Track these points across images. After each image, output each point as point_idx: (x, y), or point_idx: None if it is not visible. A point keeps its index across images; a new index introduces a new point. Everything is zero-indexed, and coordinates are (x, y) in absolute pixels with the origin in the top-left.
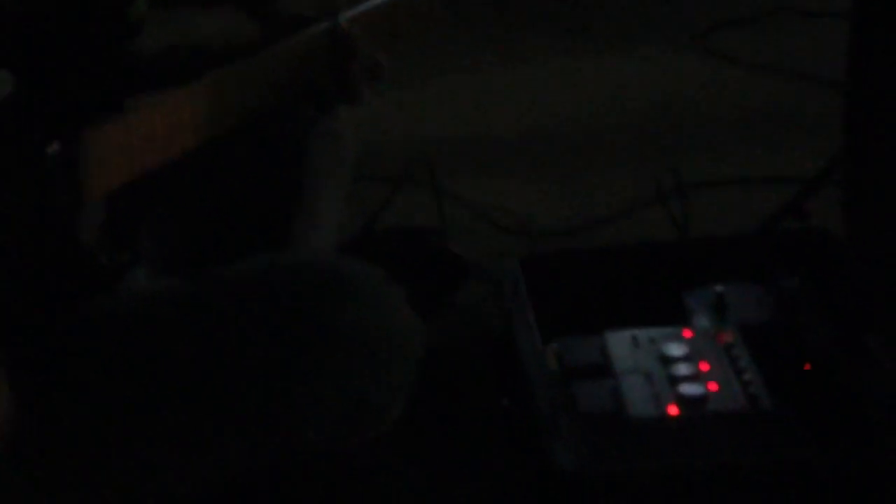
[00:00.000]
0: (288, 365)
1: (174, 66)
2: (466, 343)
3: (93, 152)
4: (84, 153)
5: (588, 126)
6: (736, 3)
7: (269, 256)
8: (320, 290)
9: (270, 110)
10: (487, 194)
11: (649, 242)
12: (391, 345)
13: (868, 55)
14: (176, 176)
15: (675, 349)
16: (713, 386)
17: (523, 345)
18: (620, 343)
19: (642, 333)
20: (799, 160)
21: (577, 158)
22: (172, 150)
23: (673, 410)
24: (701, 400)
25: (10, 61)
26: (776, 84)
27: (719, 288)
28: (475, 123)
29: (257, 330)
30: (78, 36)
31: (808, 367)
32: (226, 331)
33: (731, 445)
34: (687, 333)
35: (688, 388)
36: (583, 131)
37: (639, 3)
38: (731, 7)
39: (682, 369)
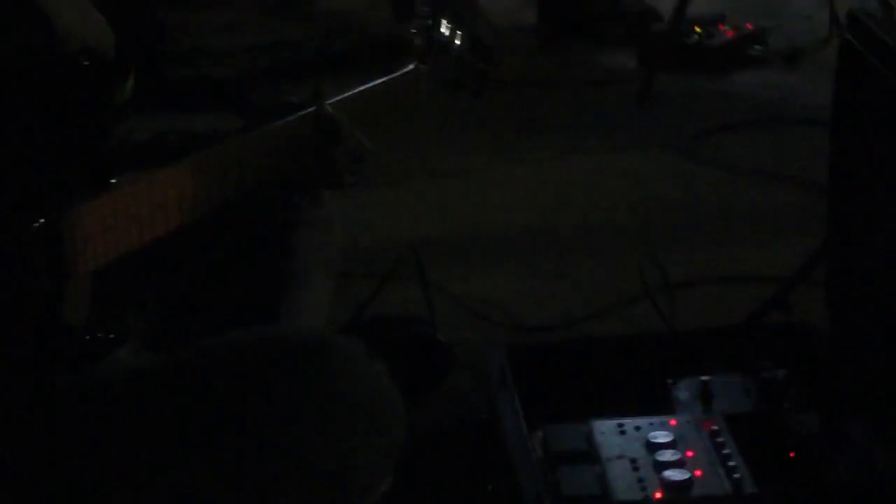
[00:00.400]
0: (268, 437)
1: (161, 148)
2: (452, 429)
3: (77, 229)
4: (69, 229)
5: (576, 223)
6: (726, 112)
7: (252, 329)
8: (301, 362)
9: (255, 192)
10: (476, 288)
11: (636, 334)
12: (372, 416)
13: (847, 159)
14: (163, 258)
15: (661, 436)
16: (698, 472)
17: (508, 430)
18: (606, 431)
19: (628, 422)
20: (782, 259)
21: (565, 254)
22: (157, 230)
23: (658, 495)
24: (686, 485)
25: None
26: (761, 186)
27: (705, 378)
28: (463, 221)
29: (237, 402)
30: (63, 115)
31: (792, 454)
32: (204, 405)
33: None
34: (673, 422)
35: (673, 474)
36: (570, 228)
37: (632, 109)
38: (722, 115)
39: (668, 455)
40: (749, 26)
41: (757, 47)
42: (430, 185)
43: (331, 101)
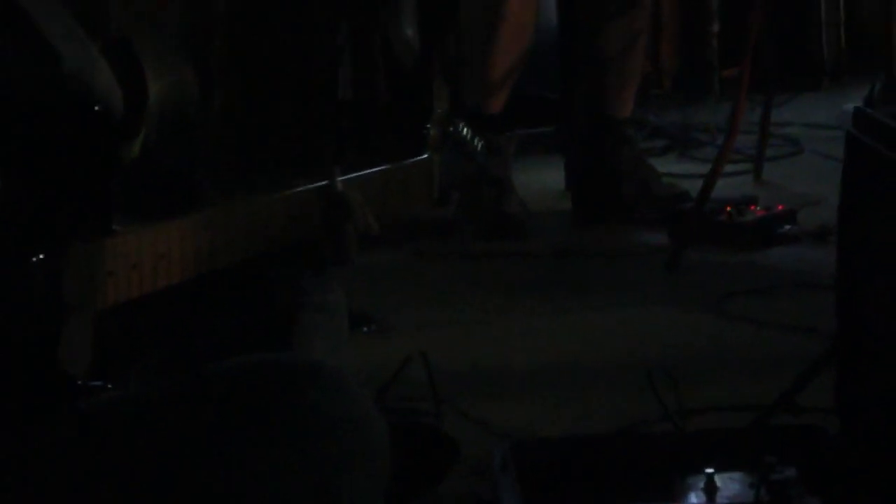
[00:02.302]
0: (250, 460)
1: (170, 200)
2: None
3: (78, 269)
4: (68, 268)
5: (596, 365)
6: (755, 279)
7: (241, 357)
8: (288, 386)
9: (261, 263)
10: (486, 410)
11: (644, 432)
12: (359, 440)
13: (854, 257)
14: (166, 318)
15: None
16: None
17: None
18: None
19: None
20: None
21: (584, 394)
22: (158, 282)
23: None
24: None
25: None
26: (782, 338)
27: (710, 470)
28: (483, 360)
29: (220, 426)
30: (69, 154)
31: None
32: (188, 429)
33: None
34: None
35: None
36: (590, 369)
37: (662, 275)
38: (751, 282)
39: None
40: (780, 207)
41: (787, 226)
42: (453, 331)
43: (343, 178)
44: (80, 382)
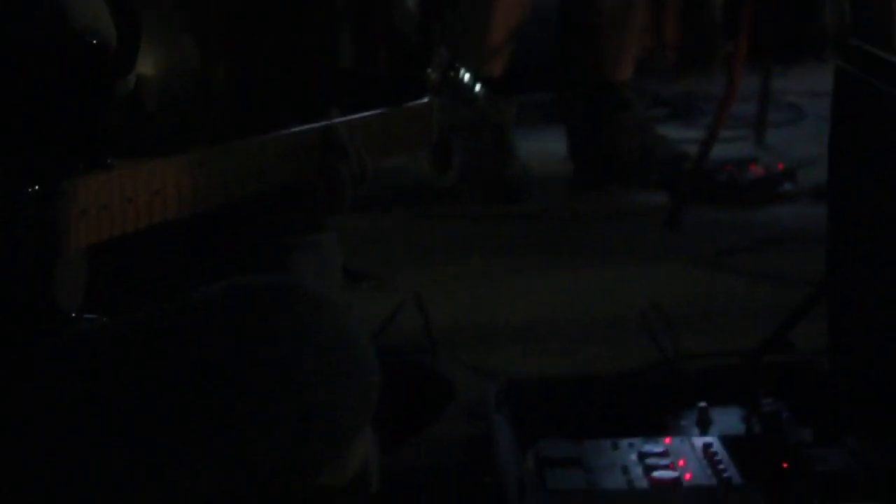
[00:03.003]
0: (231, 375)
1: (168, 135)
2: (447, 456)
3: (72, 202)
4: (62, 199)
5: (592, 318)
6: (753, 236)
7: (224, 282)
8: (269, 305)
9: (255, 197)
10: (481, 358)
11: (636, 370)
12: (340, 360)
13: (844, 193)
14: (160, 253)
15: (654, 448)
16: (688, 475)
17: (502, 445)
18: (599, 445)
19: (623, 441)
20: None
21: (580, 343)
22: (154, 216)
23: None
24: (674, 482)
25: None
26: (778, 290)
27: (702, 404)
28: (476, 311)
29: (201, 348)
30: (64, 88)
31: (785, 465)
32: (170, 353)
33: None
34: (667, 440)
35: (661, 474)
36: (586, 323)
37: (660, 234)
38: (748, 239)
39: (659, 461)
40: (780, 166)
41: (787, 185)
42: (451, 288)
43: (341, 119)
44: (72, 315)
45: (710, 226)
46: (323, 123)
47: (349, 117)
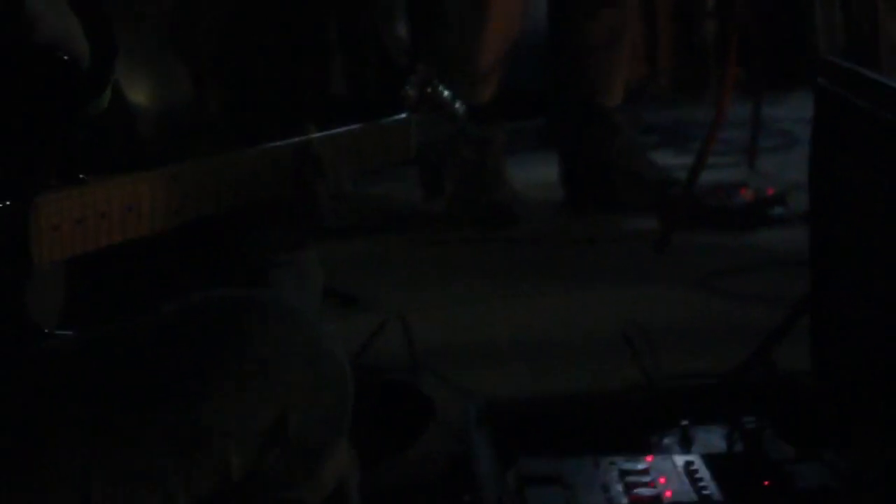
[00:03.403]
0: (203, 386)
1: (141, 151)
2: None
3: (44, 218)
4: (35, 215)
5: (577, 340)
6: (743, 258)
7: (197, 294)
8: (243, 318)
9: (233, 212)
10: (466, 378)
11: (618, 390)
12: (309, 370)
13: (827, 210)
14: (138, 269)
15: (635, 465)
16: (668, 493)
17: (482, 463)
18: (580, 463)
19: (603, 458)
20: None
21: (564, 364)
22: (128, 232)
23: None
24: (655, 500)
25: None
26: (767, 312)
27: (684, 423)
28: (464, 333)
29: (176, 357)
30: (36, 104)
31: (767, 483)
32: (142, 360)
33: None
34: (649, 458)
35: (642, 491)
36: (571, 345)
37: (649, 257)
38: (739, 261)
39: (640, 479)
40: (770, 191)
41: (778, 209)
42: (437, 310)
43: (318, 135)
44: (46, 331)
45: (700, 249)
46: (299, 139)
47: (325, 133)
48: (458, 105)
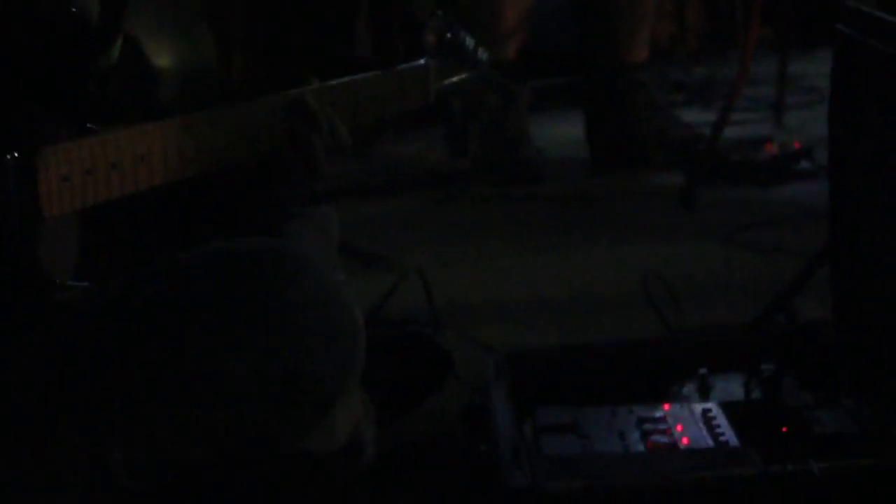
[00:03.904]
0: (215, 334)
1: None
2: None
3: (54, 167)
4: (44, 166)
5: (600, 296)
6: (769, 212)
7: (212, 244)
8: (255, 266)
9: (238, 165)
10: (486, 333)
11: (637, 339)
12: (320, 320)
13: (846, 158)
14: (152, 220)
15: (652, 413)
16: (685, 439)
17: (499, 413)
18: (597, 412)
19: (622, 408)
20: None
21: (586, 320)
22: (140, 182)
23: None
24: (670, 446)
25: None
26: (791, 264)
27: (703, 371)
28: (485, 289)
29: (188, 305)
30: (47, 55)
31: (784, 429)
32: (154, 316)
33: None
34: (666, 406)
35: (659, 438)
36: (594, 301)
37: (675, 212)
38: (764, 215)
39: (657, 426)
40: (797, 145)
41: (804, 163)
42: (460, 268)
43: (311, 87)
44: (59, 282)
45: (725, 204)
46: (293, 94)
47: (316, 86)
48: (480, 51)
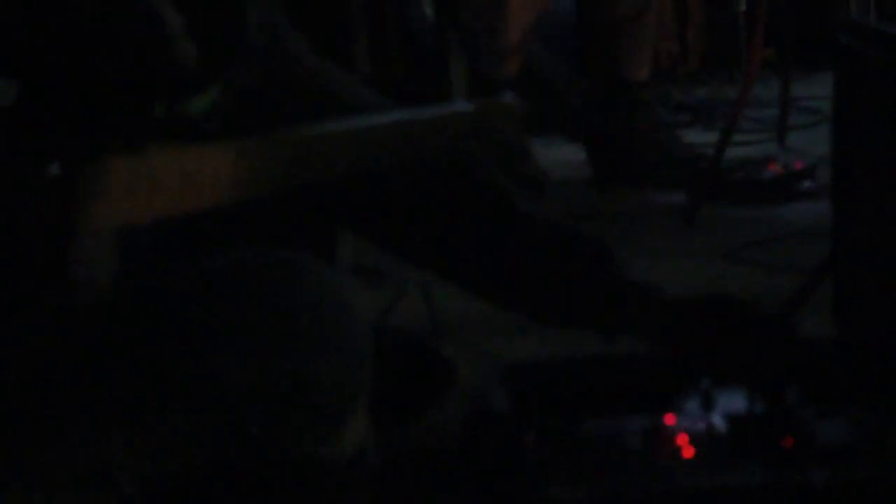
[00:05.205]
0: (226, 340)
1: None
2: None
3: (94, 183)
4: (84, 179)
5: None
6: (771, 230)
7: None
8: (267, 274)
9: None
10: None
11: (643, 353)
12: (328, 327)
13: (850, 169)
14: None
15: (656, 423)
16: (690, 452)
17: (500, 424)
18: (600, 424)
19: (624, 419)
20: None
21: (589, 338)
22: (187, 203)
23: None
24: (674, 458)
25: (17, 72)
26: (794, 282)
27: (706, 383)
28: (488, 308)
29: (195, 312)
30: (117, 90)
31: (789, 440)
32: (168, 312)
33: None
34: (670, 417)
35: (662, 448)
36: None
37: (677, 231)
38: (767, 233)
39: (660, 437)
40: (798, 165)
41: (806, 182)
42: None
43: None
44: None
45: (728, 223)
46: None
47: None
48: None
